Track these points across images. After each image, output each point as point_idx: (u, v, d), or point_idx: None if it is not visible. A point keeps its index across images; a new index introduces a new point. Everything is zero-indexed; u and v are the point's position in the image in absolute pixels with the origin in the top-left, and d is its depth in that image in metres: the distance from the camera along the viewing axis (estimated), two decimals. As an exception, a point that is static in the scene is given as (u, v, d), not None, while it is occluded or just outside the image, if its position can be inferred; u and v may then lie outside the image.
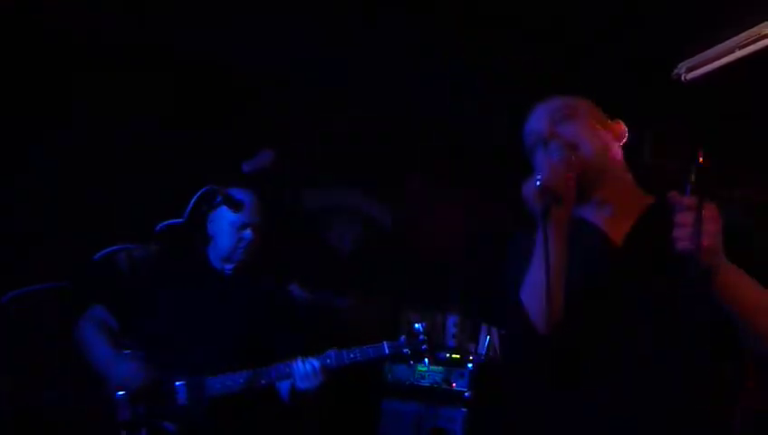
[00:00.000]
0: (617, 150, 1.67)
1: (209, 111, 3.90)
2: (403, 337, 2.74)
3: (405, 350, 2.73)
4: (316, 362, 2.60)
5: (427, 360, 2.78)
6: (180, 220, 2.70)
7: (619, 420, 1.47)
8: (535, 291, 1.48)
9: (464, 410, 3.68)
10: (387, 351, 2.69)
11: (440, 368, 3.85)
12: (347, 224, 4.52)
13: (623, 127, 1.70)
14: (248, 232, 2.75)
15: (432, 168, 4.49)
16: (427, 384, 3.83)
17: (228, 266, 2.81)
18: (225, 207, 2.53)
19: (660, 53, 3.18)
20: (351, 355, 2.65)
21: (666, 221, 1.40)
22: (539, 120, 1.68)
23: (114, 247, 2.54)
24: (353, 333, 2.74)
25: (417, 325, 2.77)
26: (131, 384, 2.60)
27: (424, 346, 2.74)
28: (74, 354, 2.72)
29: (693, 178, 1.33)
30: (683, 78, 3.22)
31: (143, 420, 2.58)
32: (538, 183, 1.47)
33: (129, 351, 2.68)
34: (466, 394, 3.73)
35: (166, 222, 2.60)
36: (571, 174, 1.52)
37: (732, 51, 3.10)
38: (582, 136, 1.61)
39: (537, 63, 3.46)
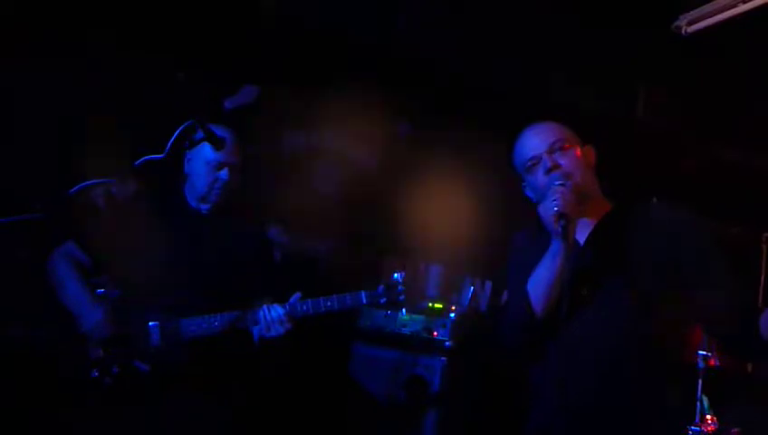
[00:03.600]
0: (592, 173, 2.11)
1: (193, 46, 3.78)
2: (381, 286, 2.75)
3: (382, 299, 2.75)
4: (281, 310, 2.61)
5: (404, 310, 2.90)
6: (160, 156, 2.65)
7: (588, 377, 1.92)
8: (540, 285, 1.95)
9: (443, 359, 3.73)
10: (364, 300, 2.71)
11: (422, 317, 3.88)
12: (331, 167, 4.51)
13: (594, 153, 2.14)
14: (224, 172, 2.74)
15: (422, 113, 4.49)
16: (408, 333, 3.86)
17: (204, 206, 2.79)
18: (203, 145, 2.47)
19: (661, 3, 3.09)
20: (329, 303, 2.68)
21: (618, 223, 2.01)
22: (537, 147, 2.07)
23: (91, 181, 2.49)
24: (333, 280, 2.73)
25: (395, 275, 2.79)
26: (101, 333, 2.60)
27: (401, 297, 2.77)
28: (46, 289, 2.70)
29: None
30: (683, 31, 3.14)
31: (115, 359, 2.56)
32: (556, 209, 1.91)
33: (102, 290, 2.64)
34: (447, 344, 3.77)
35: (145, 157, 2.54)
36: (574, 199, 1.96)
37: (735, 4, 3.01)
38: (575, 167, 2.04)
39: (542, 17, 3.36)
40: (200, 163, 2.71)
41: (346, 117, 4.41)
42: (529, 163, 2.08)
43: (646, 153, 4.18)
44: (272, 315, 2.59)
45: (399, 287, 2.77)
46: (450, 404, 3.69)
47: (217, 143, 2.67)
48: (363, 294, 2.71)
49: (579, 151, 2.08)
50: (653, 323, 1.91)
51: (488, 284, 4.58)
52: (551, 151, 2.05)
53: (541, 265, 1.97)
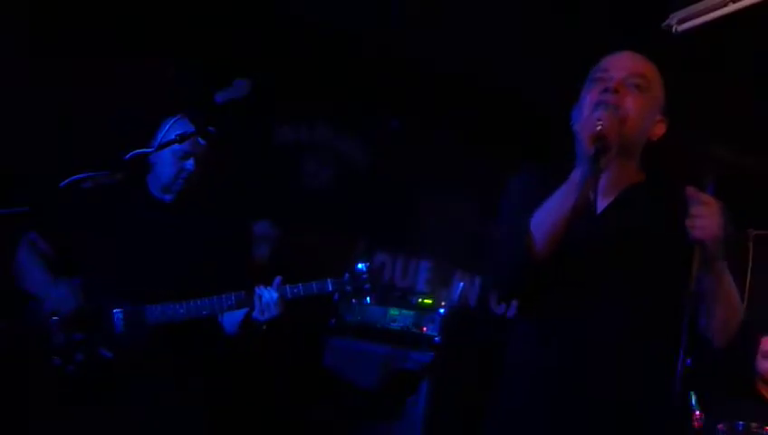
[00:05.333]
0: (645, 140, 1.79)
1: (183, 39, 3.77)
2: (347, 275, 2.78)
3: (348, 287, 2.78)
4: (276, 293, 2.63)
5: (368, 298, 2.88)
6: (150, 150, 2.65)
7: (584, 349, 1.66)
8: (548, 219, 1.64)
9: (433, 354, 3.73)
10: (330, 287, 2.74)
11: (411, 312, 3.88)
12: (321, 161, 4.51)
13: (664, 128, 1.81)
14: (190, 162, 2.72)
15: (413, 110, 4.49)
16: (398, 327, 3.86)
17: (168, 196, 2.78)
18: (168, 135, 2.47)
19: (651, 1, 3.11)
20: (295, 291, 2.69)
21: (644, 198, 1.70)
22: (616, 66, 1.75)
23: (80, 175, 2.49)
24: (321, 274, 2.75)
25: (359, 265, 2.81)
26: (65, 308, 2.59)
27: (366, 285, 2.79)
28: (10, 280, 2.71)
29: (712, 176, 1.60)
30: (674, 29, 3.15)
31: (78, 346, 2.58)
32: (599, 126, 1.59)
33: (65, 277, 2.67)
34: (436, 339, 3.77)
35: (135, 151, 2.54)
36: (619, 131, 1.64)
37: (725, 3, 3.03)
38: (639, 114, 1.70)
39: (529, 11, 3.37)
40: (166, 152, 2.69)
41: (336, 112, 4.49)
42: (597, 74, 1.75)
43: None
44: (270, 296, 2.62)
45: (364, 276, 2.79)
46: (439, 399, 3.71)
47: (208, 137, 2.67)
48: (329, 281, 2.73)
49: (651, 108, 1.75)
50: (656, 313, 1.67)
51: (477, 279, 4.64)
52: (624, 80, 1.71)
53: (554, 197, 1.66)
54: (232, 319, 2.71)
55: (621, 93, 1.68)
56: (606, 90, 1.68)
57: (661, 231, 1.69)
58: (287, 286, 2.69)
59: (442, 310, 3.86)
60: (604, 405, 1.64)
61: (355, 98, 4.39)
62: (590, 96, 1.72)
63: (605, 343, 1.65)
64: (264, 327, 2.67)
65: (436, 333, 3.77)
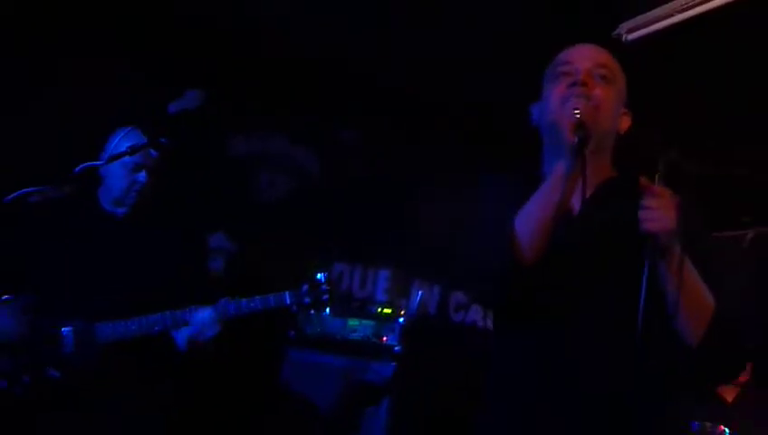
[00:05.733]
0: (614, 133, 1.73)
1: (135, 50, 3.70)
2: (305, 286, 2.75)
3: (306, 299, 2.74)
4: (211, 311, 2.59)
5: (329, 309, 2.81)
6: (99, 163, 2.59)
7: (575, 359, 1.56)
8: (531, 220, 1.55)
9: (394, 364, 3.72)
10: (288, 300, 2.70)
11: (371, 322, 3.88)
12: (276, 172, 4.49)
13: (629, 123, 1.76)
14: (142, 175, 2.67)
15: (368, 121, 4.50)
16: (358, 338, 3.86)
17: (120, 210, 2.71)
18: (119, 146, 2.41)
19: (601, 11, 3.17)
20: (252, 304, 2.65)
21: (618, 195, 1.61)
22: (579, 58, 1.70)
23: (27, 189, 2.42)
24: (276, 285, 2.72)
25: (318, 275, 2.78)
26: (10, 336, 2.52)
27: (325, 296, 2.76)
28: None
29: (662, 168, 1.50)
30: (623, 38, 3.21)
31: (25, 368, 2.51)
32: (577, 114, 1.55)
33: (8, 296, 2.58)
34: (396, 349, 3.76)
35: (85, 164, 2.49)
36: (595, 123, 1.59)
37: (672, 13, 3.10)
38: (609, 104, 1.65)
39: (483, 19, 3.44)
40: (116, 165, 2.63)
41: (289, 123, 4.46)
42: (559, 69, 1.69)
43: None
44: (203, 317, 2.57)
45: (323, 287, 2.76)
46: (400, 410, 3.69)
47: (161, 149, 2.62)
48: (287, 294, 2.70)
49: (618, 99, 1.69)
50: (651, 319, 1.52)
51: (436, 287, 4.65)
52: (591, 69, 1.66)
53: (537, 196, 1.57)
54: (184, 335, 2.66)
55: (589, 85, 1.63)
56: (574, 83, 1.63)
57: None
58: (243, 300, 2.66)
59: (402, 319, 3.86)
60: (601, 409, 1.53)
61: (310, 108, 4.39)
62: (556, 90, 1.67)
63: (601, 347, 1.56)
64: (210, 347, 2.63)
65: (396, 343, 3.78)
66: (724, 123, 3.98)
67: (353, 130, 4.56)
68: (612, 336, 1.55)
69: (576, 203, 1.64)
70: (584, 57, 1.69)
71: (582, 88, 1.62)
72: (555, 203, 1.54)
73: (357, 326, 3.88)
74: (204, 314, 2.59)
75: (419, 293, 4.37)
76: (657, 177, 1.50)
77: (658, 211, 1.48)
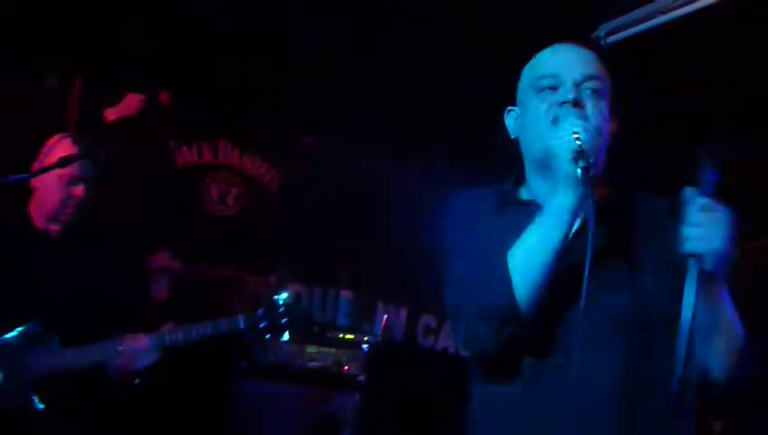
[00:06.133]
0: (606, 149, 1.66)
1: (71, 51, 3.64)
2: (261, 309, 2.74)
3: (263, 323, 2.74)
4: (146, 339, 2.57)
5: (287, 334, 2.79)
6: (27, 175, 2.55)
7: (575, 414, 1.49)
8: (532, 259, 1.48)
9: (357, 395, 3.71)
10: (242, 325, 2.70)
11: (331, 350, 3.86)
12: (227, 185, 4.45)
13: (617, 128, 1.69)
14: (79, 188, 2.63)
15: (328, 126, 4.47)
16: (318, 367, 3.84)
17: (54, 227, 2.68)
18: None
19: (579, 11, 3.23)
20: (201, 330, 2.64)
21: (613, 214, 1.54)
22: (565, 66, 1.62)
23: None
24: (229, 308, 2.64)
25: (277, 296, 2.77)
26: None
27: (285, 319, 2.76)
28: None
29: (707, 178, 1.40)
30: (603, 41, 3.27)
31: None
32: (578, 142, 1.46)
33: None
34: (360, 378, 3.76)
35: (13, 176, 2.45)
36: (597, 148, 1.52)
37: (654, 16, 3.17)
38: (602, 123, 1.59)
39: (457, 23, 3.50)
40: (49, 177, 2.59)
41: (243, 129, 4.44)
42: (544, 81, 1.62)
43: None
44: (136, 346, 2.55)
45: (281, 309, 2.75)
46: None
47: (98, 160, 2.58)
48: (240, 318, 2.69)
49: (610, 113, 1.63)
50: (659, 346, 1.50)
51: (403, 310, 4.64)
52: (580, 83, 1.59)
53: (537, 230, 1.50)
54: (115, 364, 2.62)
55: (582, 104, 1.57)
56: (566, 102, 1.57)
57: (645, 248, 1.57)
58: (191, 327, 2.63)
59: (365, 346, 3.86)
60: None
61: (264, 114, 4.38)
62: (541, 104, 1.61)
63: (602, 396, 1.48)
64: (137, 380, 2.60)
65: (359, 372, 3.77)
66: (709, 129, 4.09)
67: (314, 136, 4.56)
68: (616, 384, 1.48)
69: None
70: (571, 67, 1.62)
71: (577, 109, 1.56)
72: (559, 240, 1.48)
73: (315, 354, 3.85)
74: (139, 343, 2.57)
75: (384, 316, 4.36)
76: (700, 183, 1.39)
77: (707, 228, 1.38)
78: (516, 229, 1.55)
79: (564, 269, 1.49)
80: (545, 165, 1.58)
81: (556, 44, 1.69)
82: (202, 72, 4.07)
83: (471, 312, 1.53)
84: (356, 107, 4.26)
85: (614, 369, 1.47)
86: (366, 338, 3.96)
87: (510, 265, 1.49)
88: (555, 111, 1.58)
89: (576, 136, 1.47)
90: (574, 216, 1.49)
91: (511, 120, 1.72)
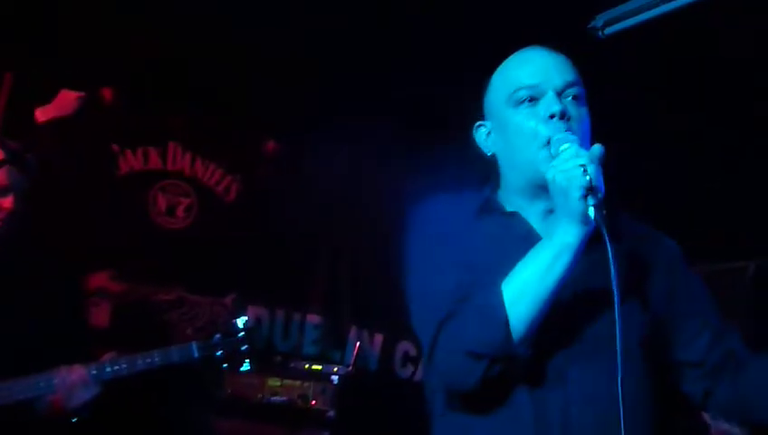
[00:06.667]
0: None
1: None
2: (218, 335, 2.77)
3: (220, 351, 2.76)
4: (84, 372, 2.56)
5: (247, 362, 2.82)
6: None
7: None
8: (529, 294, 1.55)
9: (326, 433, 3.73)
10: (195, 353, 2.71)
11: (297, 382, 3.88)
12: (176, 195, 4.43)
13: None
14: (9, 200, 2.62)
15: (293, 128, 4.49)
16: (281, 402, 3.84)
17: None
18: None
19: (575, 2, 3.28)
20: (148, 360, 2.64)
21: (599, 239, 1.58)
22: (548, 75, 1.69)
23: None
24: (177, 335, 2.69)
25: (236, 321, 2.79)
26: None
27: (244, 347, 2.78)
28: None
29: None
30: (600, 33, 3.30)
31: None
32: (588, 178, 1.52)
33: None
34: (329, 414, 3.77)
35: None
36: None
37: (655, 4, 3.21)
38: (587, 136, 1.67)
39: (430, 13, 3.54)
40: None
41: (196, 131, 4.43)
42: (522, 93, 1.68)
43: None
44: (72, 379, 2.54)
45: (240, 335, 2.76)
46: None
47: (27, 167, 2.56)
48: (194, 345, 2.70)
49: (588, 117, 1.73)
50: (656, 370, 1.68)
51: (379, 337, 4.65)
52: (561, 91, 1.66)
53: (536, 263, 1.57)
54: (46, 400, 2.59)
55: (568, 115, 1.65)
56: (557, 114, 1.63)
57: (635, 279, 1.68)
58: (137, 356, 2.61)
59: (335, 377, 3.87)
60: None
61: (220, 114, 4.37)
62: (524, 124, 1.67)
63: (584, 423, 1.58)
64: (73, 419, 2.57)
65: (328, 408, 3.78)
66: (711, 128, 4.16)
67: (277, 141, 4.56)
68: (600, 411, 1.57)
69: None
70: (550, 75, 1.68)
71: (565, 122, 1.62)
72: (561, 277, 1.55)
73: (278, 387, 3.85)
74: (75, 375, 2.56)
75: (357, 343, 4.37)
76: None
77: None
78: (498, 242, 1.66)
79: (559, 302, 1.58)
80: (538, 189, 1.66)
81: (526, 51, 1.75)
82: (149, 68, 4.05)
83: (456, 343, 1.57)
84: (328, 108, 4.28)
85: (613, 400, 1.51)
86: (336, 368, 3.97)
87: (506, 298, 1.55)
88: (544, 129, 1.64)
89: (584, 168, 1.52)
90: (579, 253, 1.56)
91: (482, 135, 1.78)
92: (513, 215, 1.72)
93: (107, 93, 4.10)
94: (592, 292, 1.62)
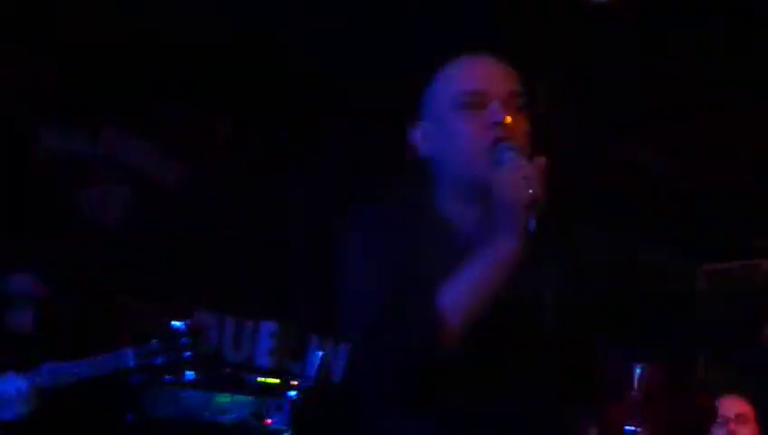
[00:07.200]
0: None
1: None
2: (155, 341, 2.79)
3: (158, 359, 2.78)
4: (22, 383, 2.61)
5: (191, 373, 2.94)
6: None
7: None
8: (463, 306, 1.72)
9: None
10: (131, 362, 2.74)
11: (249, 398, 3.89)
12: (109, 184, 4.40)
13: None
14: None
15: (247, 108, 4.50)
16: (231, 420, 3.85)
17: None
18: None
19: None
20: (77, 371, 2.68)
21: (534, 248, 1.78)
22: (492, 83, 1.85)
23: None
24: (110, 342, 2.83)
25: (175, 324, 2.84)
26: None
27: (187, 353, 2.81)
28: None
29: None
30: (592, -1, 3.38)
31: None
32: (531, 190, 1.67)
33: None
34: (287, 434, 3.80)
35: None
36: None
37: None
38: (527, 149, 1.81)
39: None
40: None
41: (132, 110, 4.40)
42: (467, 98, 1.84)
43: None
44: (8, 390, 2.57)
45: (183, 340, 2.80)
46: None
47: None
48: (130, 353, 2.72)
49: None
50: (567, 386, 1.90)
51: (343, 346, 4.62)
52: (507, 100, 1.83)
53: (473, 277, 1.74)
54: None
55: (512, 125, 1.80)
56: (497, 124, 1.78)
57: (554, 288, 1.83)
58: (65, 364, 2.65)
59: (293, 392, 3.88)
60: None
61: (161, 91, 4.34)
62: (468, 128, 1.82)
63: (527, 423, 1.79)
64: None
65: (285, 427, 3.79)
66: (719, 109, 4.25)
67: (228, 123, 4.56)
68: (540, 416, 1.79)
69: None
70: (497, 84, 1.84)
71: (508, 138, 1.77)
72: (497, 286, 1.72)
73: (228, 404, 3.84)
74: (10, 386, 2.61)
75: (318, 354, 4.37)
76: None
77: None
78: (431, 250, 1.82)
79: (492, 310, 1.75)
80: (474, 195, 1.83)
81: (474, 57, 1.91)
82: (78, 35, 4.06)
83: (387, 350, 1.73)
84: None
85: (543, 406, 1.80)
86: (294, 383, 3.99)
87: (440, 307, 1.71)
88: (487, 137, 1.79)
89: (526, 180, 1.68)
90: (515, 266, 1.72)
91: (417, 136, 1.92)
92: (447, 222, 1.88)
93: (25, 64, 4.07)
94: (525, 302, 1.80)
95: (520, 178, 1.68)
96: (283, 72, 4.41)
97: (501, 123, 1.77)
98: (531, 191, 1.66)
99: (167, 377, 3.01)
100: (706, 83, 4.22)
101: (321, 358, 4.35)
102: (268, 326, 4.55)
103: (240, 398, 3.85)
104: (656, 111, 4.46)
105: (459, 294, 1.73)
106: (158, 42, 4.21)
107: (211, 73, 4.36)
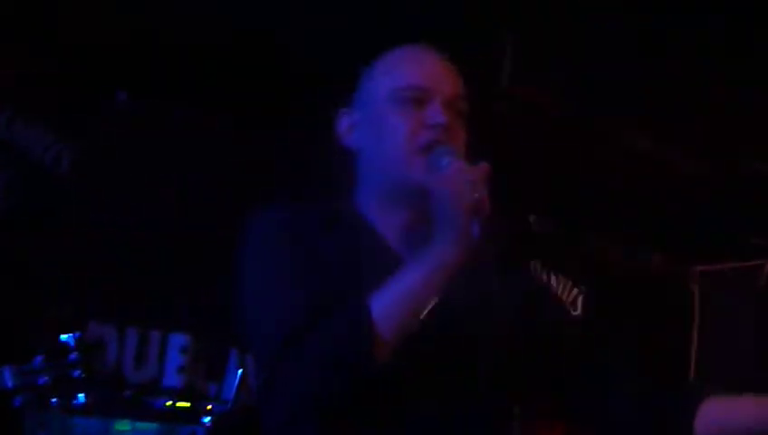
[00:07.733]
0: None
1: None
2: (39, 357, 2.78)
3: (42, 378, 2.77)
4: None
5: (83, 396, 2.83)
6: None
7: None
8: (401, 312, 1.78)
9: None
10: (10, 381, 2.73)
11: (154, 424, 3.89)
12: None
13: None
14: None
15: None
16: None
17: None
18: None
19: None
20: None
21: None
22: (436, 81, 1.95)
23: None
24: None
25: (63, 336, 2.82)
26: None
27: (77, 371, 2.79)
28: None
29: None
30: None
31: None
32: (476, 195, 1.75)
33: None
34: None
35: None
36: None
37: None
38: (462, 155, 1.92)
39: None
40: None
41: (15, 83, 4.36)
42: (407, 93, 1.94)
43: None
44: None
45: (72, 356, 2.78)
46: None
47: None
48: (6, 371, 2.71)
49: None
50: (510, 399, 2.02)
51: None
52: (449, 102, 1.95)
53: (410, 284, 1.81)
54: None
55: (451, 129, 1.92)
56: (439, 127, 1.90)
57: (499, 299, 1.93)
58: None
59: (207, 419, 3.86)
60: None
61: (49, 59, 4.32)
62: (404, 125, 1.92)
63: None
64: None
65: None
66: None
67: (130, 93, 4.52)
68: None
69: None
70: (441, 83, 1.96)
71: (445, 143, 1.88)
72: (436, 293, 1.80)
73: (129, 432, 3.82)
74: None
75: (240, 371, 4.29)
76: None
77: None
78: (350, 258, 1.90)
79: (431, 317, 1.83)
80: (403, 196, 1.95)
81: (420, 50, 2.03)
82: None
83: (316, 360, 1.76)
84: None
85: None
86: (209, 406, 3.98)
87: (374, 314, 1.76)
88: (425, 136, 1.90)
89: (470, 184, 1.77)
90: (456, 273, 1.81)
91: (345, 124, 2.04)
92: (369, 229, 1.98)
93: None
94: (464, 308, 1.89)
95: (464, 182, 1.76)
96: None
97: (441, 125, 1.89)
98: (476, 196, 1.75)
99: (53, 400, 2.82)
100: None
101: (241, 377, 4.24)
102: (178, 339, 4.54)
103: (143, 425, 3.84)
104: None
105: (393, 304, 1.79)
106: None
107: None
